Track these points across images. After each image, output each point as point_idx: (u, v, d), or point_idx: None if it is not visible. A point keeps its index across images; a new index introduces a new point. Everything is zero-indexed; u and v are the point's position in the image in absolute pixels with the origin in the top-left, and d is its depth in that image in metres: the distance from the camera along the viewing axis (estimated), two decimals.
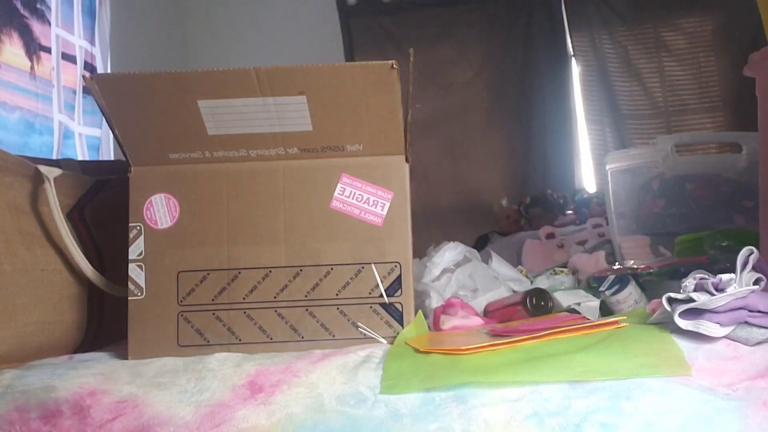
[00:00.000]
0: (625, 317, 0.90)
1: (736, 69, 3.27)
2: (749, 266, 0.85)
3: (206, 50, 3.75)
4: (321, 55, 3.55)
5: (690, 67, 3.40)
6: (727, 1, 3.35)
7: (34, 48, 2.27)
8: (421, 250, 1.38)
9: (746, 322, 0.80)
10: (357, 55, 3.70)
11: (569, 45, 3.58)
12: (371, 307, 0.97)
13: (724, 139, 2.38)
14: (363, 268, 0.98)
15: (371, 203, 0.99)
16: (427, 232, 3.38)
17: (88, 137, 2.58)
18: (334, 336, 0.96)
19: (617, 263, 1.42)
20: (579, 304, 1.16)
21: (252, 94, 0.94)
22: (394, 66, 0.92)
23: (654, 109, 3.45)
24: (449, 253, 1.31)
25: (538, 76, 3.60)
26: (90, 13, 2.65)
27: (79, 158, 2.46)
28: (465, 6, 3.65)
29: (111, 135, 1.03)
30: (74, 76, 2.50)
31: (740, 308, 0.79)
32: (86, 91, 2.47)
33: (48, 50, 2.36)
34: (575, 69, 3.59)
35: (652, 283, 1.23)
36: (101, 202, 1.15)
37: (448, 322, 1.05)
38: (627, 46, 3.48)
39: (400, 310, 0.97)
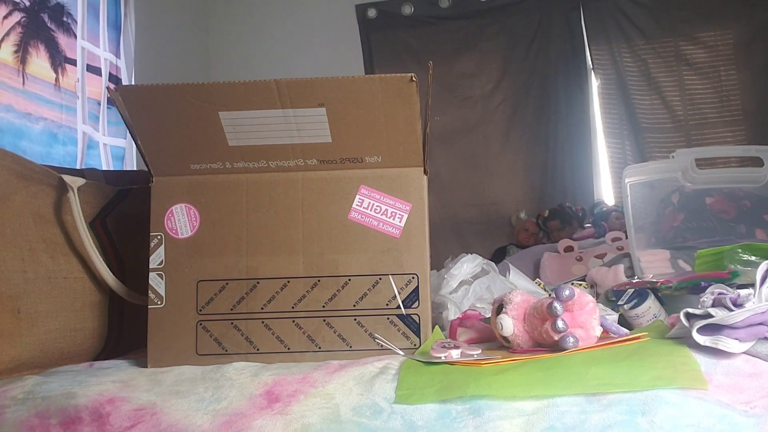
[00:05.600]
0: (646, 333, 0.90)
1: (757, 82, 3.25)
2: None
3: (228, 63, 3.79)
4: (341, 68, 3.57)
5: (710, 81, 3.37)
6: (748, 15, 3.33)
7: (59, 60, 2.31)
8: (438, 262, 1.38)
9: (766, 338, 0.79)
10: (377, 68, 3.72)
11: (588, 58, 3.58)
12: (388, 319, 0.97)
13: (745, 153, 2.35)
14: (380, 279, 0.98)
15: (389, 215, 0.99)
16: (445, 244, 3.38)
17: (113, 147, 2.62)
18: (351, 347, 0.97)
19: (636, 277, 1.41)
20: None
21: (272, 105, 0.95)
22: (413, 79, 0.93)
23: (674, 123, 3.43)
24: (467, 265, 1.31)
25: (557, 90, 3.59)
26: (115, 26, 2.70)
27: (104, 168, 2.49)
28: (484, 20, 3.66)
29: (134, 145, 1.05)
30: (99, 87, 2.54)
31: (760, 324, 0.79)
32: (111, 102, 2.51)
33: (73, 62, 2.40)
34: (594, 82, 3.58)
35: (671, 297, 1.22)
36: (123, 211, 1.17)
37: (464, 335, 1.04)
38: (647, 60, 3.47)
39: (417, 321, 0.97)
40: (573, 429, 0.71)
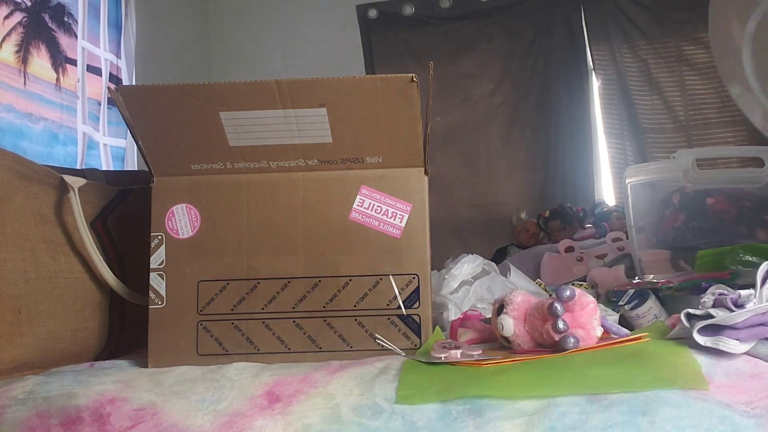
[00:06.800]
0: (647, 334, 0.90)
1: None
2: None
3: (228, 63, 3.79)
4: (342, 68, 3.57)
5: (711, 81, 3.37)
6: None
7: (60, 60, 2.31)
8: (439, 263, 1.38)
9: (767, 338, 0.79)
10: (377, 68, 3.72)
11: (589, 58, 3.58)
12: (389, 319, 0.97)
13: (745, 153, 2.36)
14: (381, 279, 0.98)
15: (390, 215, 0.99)
16: (446, 245, 3.39)
17: (113, 147, 2.62)
18: (351, 347, 0.97)
19: (637, 277, 1.41)
20: None
21: (273, 106, 0.95)
22: (414, 79, 0.93)
23: (674, 123, 3.43)
24: (467, 265, 1.31)
25: (558, 90, 3.59)
26: (116, 26, 2.70)
27: (104, 168, 2.49)
28: (485, 20, 3.66)
29: (135, 145, 1.05)
30: (100, 87, 2.54)
31: (760, 324, 0.79)
32: (111, 102, 2.51)
33: (74, 62, 2.40)
34: (595, 82, 3.58)
35: (672, 298, 1.22)
36: (124, 211, 1.17)
37: (465, 335, 1.04)
38: (647, 60, 3.46)
39: (418, 321, 0.97)
40: (574, 429, 0.71)
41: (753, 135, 3.26)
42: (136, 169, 2.62)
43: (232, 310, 0.98)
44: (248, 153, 1.00)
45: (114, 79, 2.63)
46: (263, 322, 0.98)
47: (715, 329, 0.79)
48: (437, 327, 1.02)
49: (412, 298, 0.97)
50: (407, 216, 0.99)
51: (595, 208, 3.25)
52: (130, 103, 0.97)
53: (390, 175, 1.01)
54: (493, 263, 1.39)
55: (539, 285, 1.53)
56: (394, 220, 0.99)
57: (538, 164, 3.62)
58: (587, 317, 0.88)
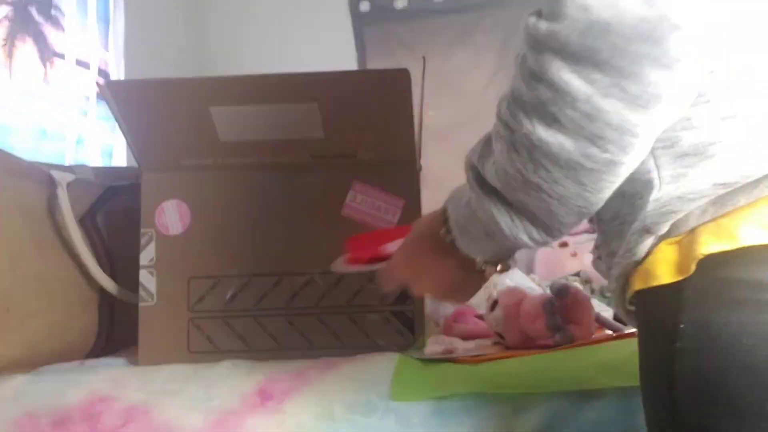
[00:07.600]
0: None
1: None
2: None
3: (219, 57, 3.76)
4: (334, 62, 3.55)
5: None
6: None
7: (47, 54, 2.29)
8: None
9: None
10: (370, 62, 3.71)
11: None
12: (383, 315, 0.96)
13: None
14: (374, 276, 0.97)
15: (383, 210, 0.99)
16: None
17: (102, 143, 2.60)
18: (345, 344, 0.96)
19: None
20: None
21: (264, 101, 0.94)
22: (407, 73, 0.92)
23: None
24: None
25: None
26: (104, 19, 2.67)
27: (92, 164, 2.47)
28: (478, 13, 3.65)
29: (124, 141, 1.04)
30: (88, 82, 2.52)
31: None
32: (100, 97, 2.49)
33: (62, 56, 2.38)
34: None
35: None
36: (113, 207, 1.15)
37: (458, 331, 1.04)
38: None
39: (411, 318, 0.96)
40: (568, 424, 0.70)
41: None
42: (125, 165, 2.60)
43: (224, 307, 0.97)
44: (239, 148, 0.99)
45: (102, 73, 2.61)
46: (255, 319, 0.97)
47: None
48: (431, 323, 1.02)
49: (406, 295, 0.96)
50: (400, 211, 0.99)
51: None
52: (119, 98, 0.95)
53: (382, 170, 1.00)
54: None
55: (533, 280, 1.52)
56: (387, 215, 0.98)
57: None
58: (582, 313, 0.88)
